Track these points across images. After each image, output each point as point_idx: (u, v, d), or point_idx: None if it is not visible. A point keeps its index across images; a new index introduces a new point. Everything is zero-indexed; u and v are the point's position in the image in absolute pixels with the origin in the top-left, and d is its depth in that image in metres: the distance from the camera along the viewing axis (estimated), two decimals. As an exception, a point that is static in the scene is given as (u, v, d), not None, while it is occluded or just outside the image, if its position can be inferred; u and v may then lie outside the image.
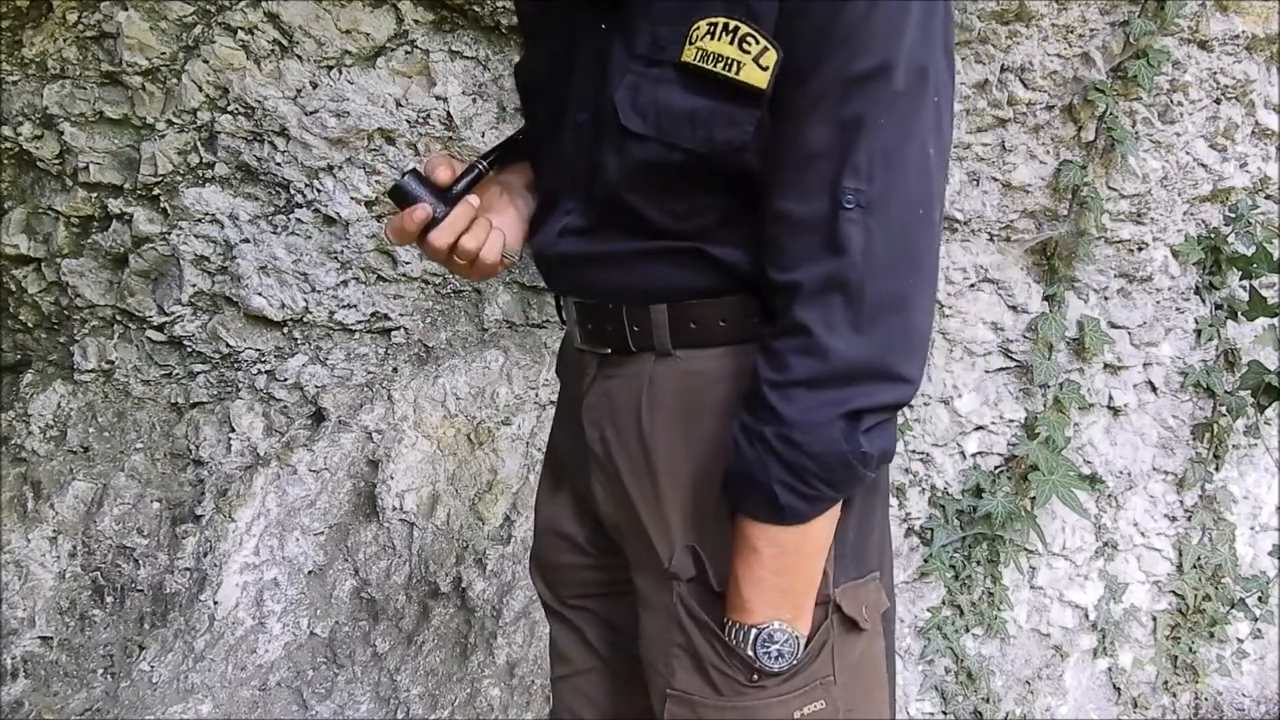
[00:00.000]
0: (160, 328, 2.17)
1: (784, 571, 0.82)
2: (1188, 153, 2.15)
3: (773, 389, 0.78)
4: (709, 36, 0.79)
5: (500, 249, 0.93)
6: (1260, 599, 2.39)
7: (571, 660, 1.09)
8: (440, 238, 0.90)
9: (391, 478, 2.03)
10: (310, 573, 2.05)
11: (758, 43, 0.78)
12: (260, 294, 2.10)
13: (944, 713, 2.17)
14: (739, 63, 0.78)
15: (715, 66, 0.79)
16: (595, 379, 0.95)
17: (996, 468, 2.21)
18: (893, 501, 2.18)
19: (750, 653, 0.82)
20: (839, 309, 0.77)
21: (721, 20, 0.79)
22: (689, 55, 0.80)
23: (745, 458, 0.80)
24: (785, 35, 0.77)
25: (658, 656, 0.90)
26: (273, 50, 1.96)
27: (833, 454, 0.77)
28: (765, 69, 0.78)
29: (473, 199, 0.91)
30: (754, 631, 0.82)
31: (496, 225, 0.94)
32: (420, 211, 0.89)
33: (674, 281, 0.87)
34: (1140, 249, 2.20)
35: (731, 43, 0.78)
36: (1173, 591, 2.37)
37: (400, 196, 0.90)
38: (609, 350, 0.93)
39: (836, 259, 0.76)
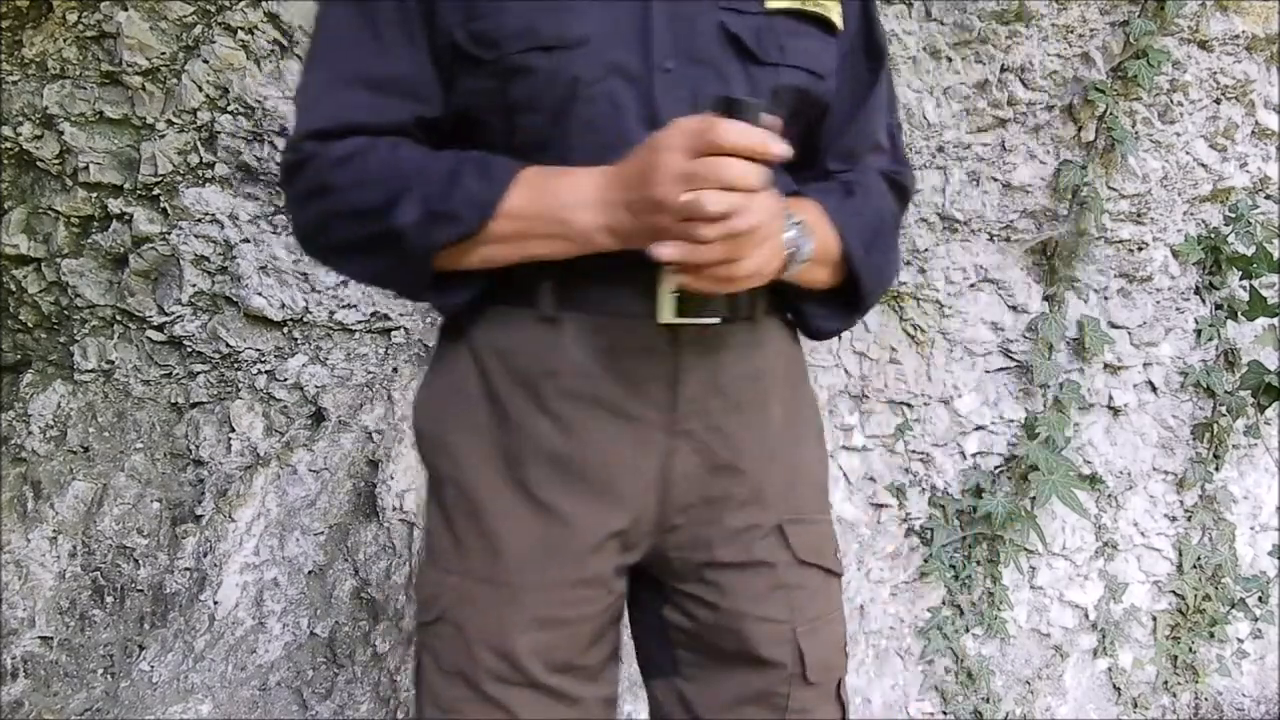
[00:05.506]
0: (160, 328, 2.17)
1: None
2: (1188, 153, 2.15)
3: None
4: None
5: None
6: (1260, 599, 2.39)
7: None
8: None
9: (391, 478, 2.03)
10: (310, 573, 2.05)
11: None
12: (260, 294, 2.10)
13: (944, 713, 2.17)
14: (829, 6, 0.96)
15: (815, 8, 0.94)
16: (685, 354, 0.91)
17: (996, 468, 2.21)
18: (892, 501, 2.18)
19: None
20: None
21: None
22: (780, 3, 0.92)
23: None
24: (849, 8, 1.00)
25: (776, 608, 0.97)
26: (273, 50, 1.96)
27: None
28: (839, 13, 0.97)
29: None
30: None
31: None
32: None
33: None
34: (1140, 249, 2.20)
35: None
36: (1173, 591, 2.37)
37: None
38: (717, 320, 0.90)
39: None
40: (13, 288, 2.25)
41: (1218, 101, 2.13)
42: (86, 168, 2.08)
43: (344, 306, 2.13)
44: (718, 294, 0.84)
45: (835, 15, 0.96)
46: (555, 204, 0.84)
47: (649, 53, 0.87)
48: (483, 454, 0.93)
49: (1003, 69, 2.01)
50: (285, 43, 1.95)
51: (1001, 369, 2.22)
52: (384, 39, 0.89)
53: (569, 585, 0.93)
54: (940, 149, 2.07)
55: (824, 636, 0.99)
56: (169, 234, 2.09)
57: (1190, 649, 2.36)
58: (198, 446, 2.17)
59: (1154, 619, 2.36)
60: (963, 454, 2.21)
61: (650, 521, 0.95)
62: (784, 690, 0.97)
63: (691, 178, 0.74)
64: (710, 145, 0.73)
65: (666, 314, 0.88)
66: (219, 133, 2.01)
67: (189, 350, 2.18)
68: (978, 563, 2.18)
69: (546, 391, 0.91)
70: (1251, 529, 2.44)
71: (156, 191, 2.07)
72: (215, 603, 2.00)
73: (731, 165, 0.73)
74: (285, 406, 2.18)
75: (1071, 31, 2.00)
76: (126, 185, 2.08)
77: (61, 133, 2.06)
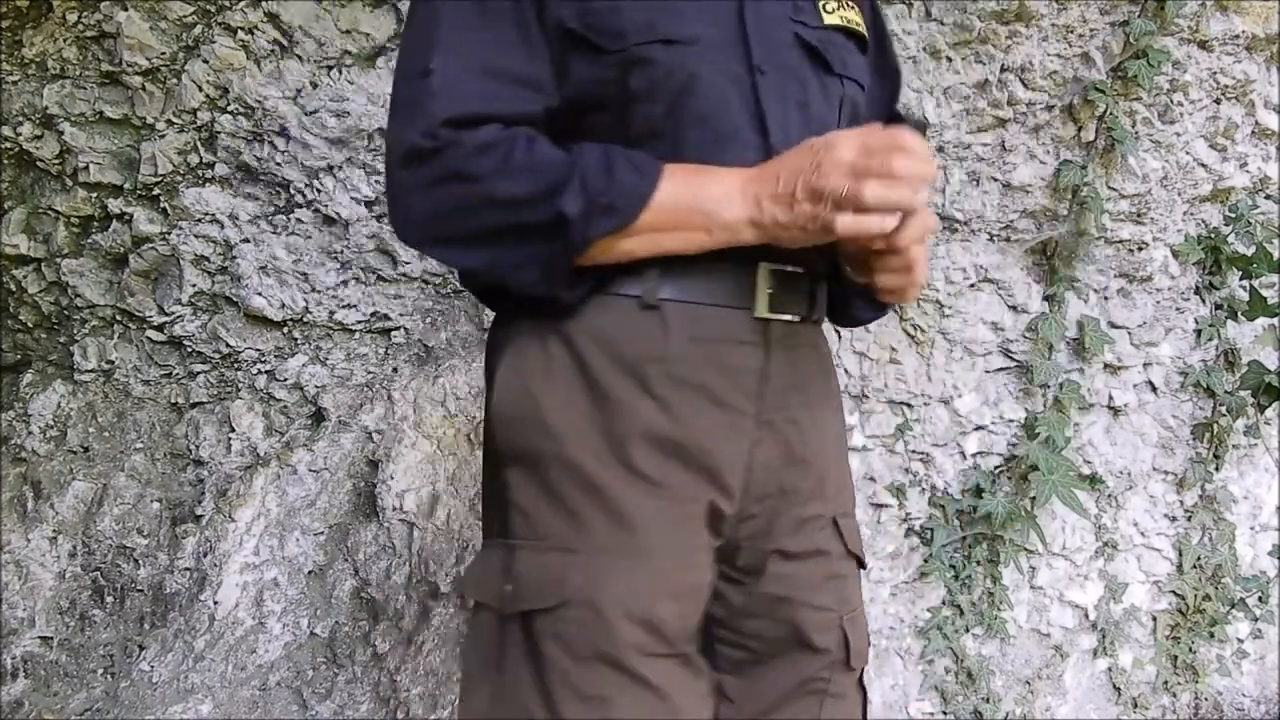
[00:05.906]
0: (160, 328, 2.17)
1: None
2: (1188, 153, 2.15)
3: None
4: (839, 6, 1.03)
5: None
6: (1260, 599, 2.39)
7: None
8: None
9: (391, 478, 2.03)
10: (310, 573, 2.05)
11: (857, 9, 1.06)
12: (260, 294, 2.10)
13: (944, 713, 2.17)
14: (861, 23, 1.05)
15: (857, 27, 1.04)
16: (773, 348, 0.97)
17: (996, 468, 2.21)
18: (892, 501, 2.18)
19: None
20: None
21: None
22: (834, 19, 1.01)
23: None
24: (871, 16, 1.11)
25: (828, 596, 1.01)
26: (273, 50, 1.96)
27: None
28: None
29: None
30: None
31: None
32: None
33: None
34: (1140, 249, 2.20)
35: (853, 8, 1.05)
36: (1173, 591, 2.37)
37: None
38: (797, 318, 0.98)
39: None
40: (13, 288, 2.25)
41: (1218, 101, 2.13)
42: (86, 168, 2.08)
43: (344, 306, 2.13)
44: (795, 291, 0.96)
45: (863, 30, 1.07)
46: (702, 197, 0.88)
47: (748, 55, 0.94)
48: (583, 433, 0.93)
49: (1003, 69, 2.01)
50: (285, 43, 1.95)
51: (1001, 369, 2.22)
52: (507, 34, 0.92)
53: (692, 550, 0.95)
54: (940, 149, 2.07)
55: (860, 625, 1.05)
56: (169, 234, 2.09)
57: (1190, 649, 2.36)
58: (198, 446, 2.17)
59: (1154, 619, 2.36)
60: (963, 454, 2.21)
61: (735, 509, 0.97)
62: (826, 675, 1.01)
63: (862, 171, 0.81)
64: (883, 145, 0.81)
65: (762, 308, 0.95)
66: (219, 133, 2.01)
67: (189, 350, 2.18)
68: (978, 563, 2.18)
69: (653, 376, 0.93)
70: (1251, 529, 2.44)
71: (156, 191, 2.07)
72: (215, 603, 2.00)
73: (901, 160, 0.80)
74: (285, 406, 2.18)
75: (1071, 31, 2.00)
76: (126, 185, 2.08)
77: (61, 133, 2.06)
